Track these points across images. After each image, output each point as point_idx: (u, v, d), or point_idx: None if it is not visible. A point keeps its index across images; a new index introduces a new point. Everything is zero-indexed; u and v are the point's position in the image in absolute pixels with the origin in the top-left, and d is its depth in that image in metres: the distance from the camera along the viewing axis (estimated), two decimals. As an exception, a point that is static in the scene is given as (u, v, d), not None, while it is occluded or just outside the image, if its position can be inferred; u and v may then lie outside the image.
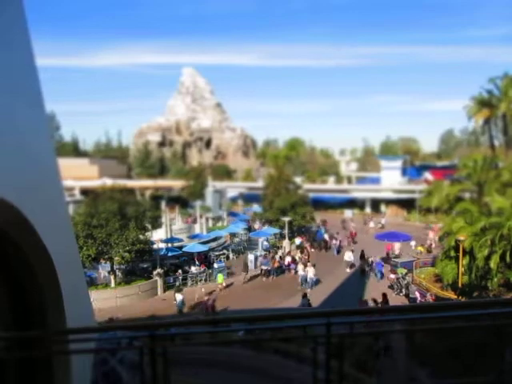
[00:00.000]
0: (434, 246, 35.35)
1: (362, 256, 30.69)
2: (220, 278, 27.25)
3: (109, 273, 26.87)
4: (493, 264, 20.46)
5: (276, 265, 30.15)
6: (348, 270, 30.13)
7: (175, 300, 23.05)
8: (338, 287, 25.95)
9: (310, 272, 27.07)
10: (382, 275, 27.77)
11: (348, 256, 31.16)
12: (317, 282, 26.87)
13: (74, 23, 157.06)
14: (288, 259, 31.21)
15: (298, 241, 37.31)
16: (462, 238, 21.74)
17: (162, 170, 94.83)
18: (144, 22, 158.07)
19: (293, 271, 29.76)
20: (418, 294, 21.94)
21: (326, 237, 38.85)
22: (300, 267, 28.46)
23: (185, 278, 27.58)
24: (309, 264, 28.41)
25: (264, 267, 29.39)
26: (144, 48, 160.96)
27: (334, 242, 37.78)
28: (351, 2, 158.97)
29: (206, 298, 22.71)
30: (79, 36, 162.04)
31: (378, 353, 10.28)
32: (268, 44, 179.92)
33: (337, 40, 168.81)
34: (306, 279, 26.88)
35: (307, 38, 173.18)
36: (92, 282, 25.81)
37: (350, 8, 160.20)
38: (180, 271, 28.01)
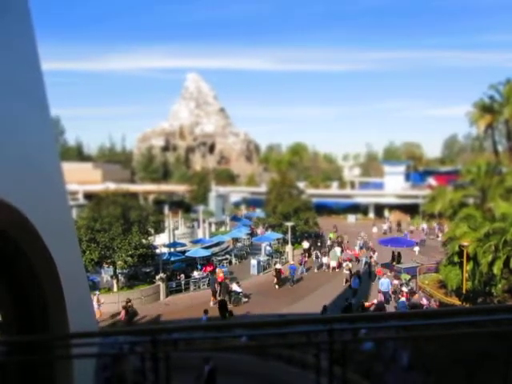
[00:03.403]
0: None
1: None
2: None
3: (111, 277, 26.85)
4: (496, 270, 20.34)
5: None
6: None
7: None
8: (339, 293, 25.77)
9: None
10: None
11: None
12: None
13: (78, 28, 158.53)
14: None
15: (306, 244, 37.04)
16: (465, 243, 21.62)
17: (165, 175, 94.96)
18: (152, 27, 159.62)
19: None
20: (425, 301, 21.73)
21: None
22: None
23: (187, 283, 27.53)
24: None
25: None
26: (151, 53, 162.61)
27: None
28: (360, 8, 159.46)
29: None
30: (85, 41, 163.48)
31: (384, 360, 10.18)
32: (273, 49, 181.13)
33: (343, 46, 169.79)
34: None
35: (313, 43, 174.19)
36: (95, 287, 25.78)
37: (358, 14, 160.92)
38: (183, 276, 27.98)
